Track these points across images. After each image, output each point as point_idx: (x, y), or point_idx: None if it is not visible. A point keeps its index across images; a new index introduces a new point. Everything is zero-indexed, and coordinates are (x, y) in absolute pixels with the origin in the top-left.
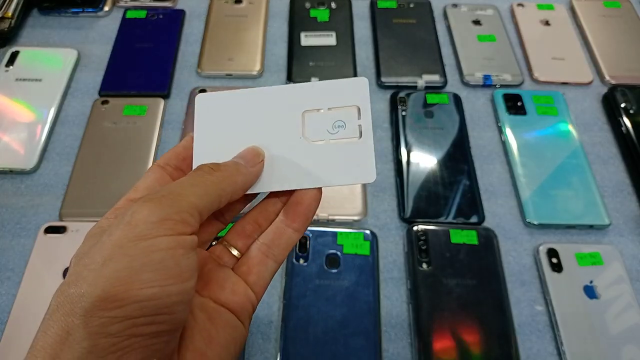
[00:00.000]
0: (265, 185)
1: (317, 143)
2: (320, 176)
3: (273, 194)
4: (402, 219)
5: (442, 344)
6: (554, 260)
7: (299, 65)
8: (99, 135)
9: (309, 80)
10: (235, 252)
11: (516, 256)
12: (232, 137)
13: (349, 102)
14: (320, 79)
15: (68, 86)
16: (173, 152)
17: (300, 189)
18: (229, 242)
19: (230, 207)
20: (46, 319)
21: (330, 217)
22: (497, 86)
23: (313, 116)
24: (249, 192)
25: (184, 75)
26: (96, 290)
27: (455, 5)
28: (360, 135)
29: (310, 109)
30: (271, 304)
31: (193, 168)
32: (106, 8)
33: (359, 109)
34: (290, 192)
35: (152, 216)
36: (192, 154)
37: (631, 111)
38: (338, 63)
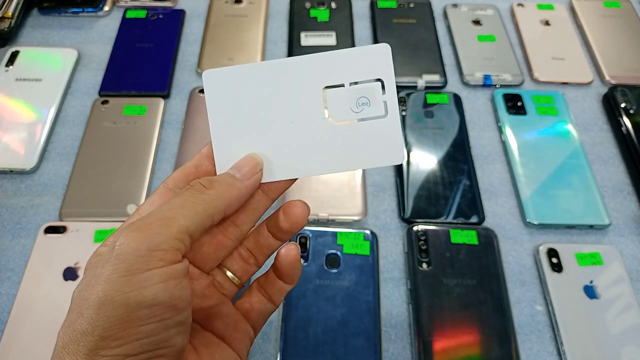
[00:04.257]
0: (288, 171)
1: (341, 124)
2: (345, 160)
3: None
4: (402, 219)
5: (442, 344)
6: (554, 260)
7: None
8: (99, 135)
9: None
10: (231, 276)
11: (516, 256)
12: (250, 122)
13: (371, 74)
14: None
15: (68, 86)
16: (182, 173)
17: (282, 247)
18: (227, 267)
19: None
20: (54, 358)
21: (330, 217)
22: (497, 86)
23: (335, 93)
24: (269, 180)
25: (184, 75)
26: (97, 330)
27: (455, 5)
28: (386, 112)
29: (331, 84)
30: None
31: (216, 163)
32: (106, 8)
33: (382, 83)
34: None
35: (140, 249)
36: (204, 172)
37: (631, 111)
38: None
